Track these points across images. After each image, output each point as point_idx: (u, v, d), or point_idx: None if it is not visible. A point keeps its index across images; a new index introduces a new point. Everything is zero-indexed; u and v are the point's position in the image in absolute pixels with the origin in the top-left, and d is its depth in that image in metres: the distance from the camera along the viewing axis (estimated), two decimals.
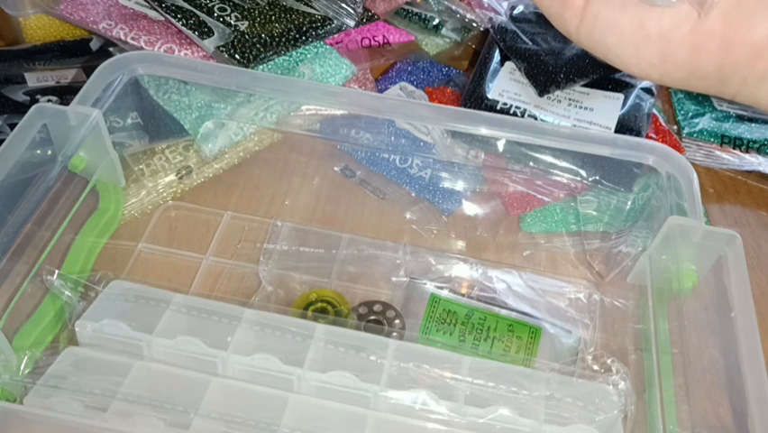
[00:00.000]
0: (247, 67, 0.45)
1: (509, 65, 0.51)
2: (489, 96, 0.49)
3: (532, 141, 0.42)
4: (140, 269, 0.43)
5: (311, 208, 0.48)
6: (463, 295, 0.43)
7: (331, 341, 0.36)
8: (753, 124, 0.55)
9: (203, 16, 0.47)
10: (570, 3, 0.33)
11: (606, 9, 0.32)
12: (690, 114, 0.56)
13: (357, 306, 0.41)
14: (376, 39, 0.53)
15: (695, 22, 0.31)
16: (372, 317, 0.41)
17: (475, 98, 0.49)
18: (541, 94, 0.49)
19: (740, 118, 0.56)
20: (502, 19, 0.53)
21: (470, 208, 0.48)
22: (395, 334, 0.39)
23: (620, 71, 0.50)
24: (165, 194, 0.46)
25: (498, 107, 0.48)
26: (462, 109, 0.43)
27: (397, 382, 0.34)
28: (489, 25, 0.53)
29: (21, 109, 0.44)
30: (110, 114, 0.41)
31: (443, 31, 0.58)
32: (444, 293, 0.42)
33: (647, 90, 0.51)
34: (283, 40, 0.47)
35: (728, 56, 0.31)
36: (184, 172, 0.46)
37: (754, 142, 0.54)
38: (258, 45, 0.46)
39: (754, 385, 0.31)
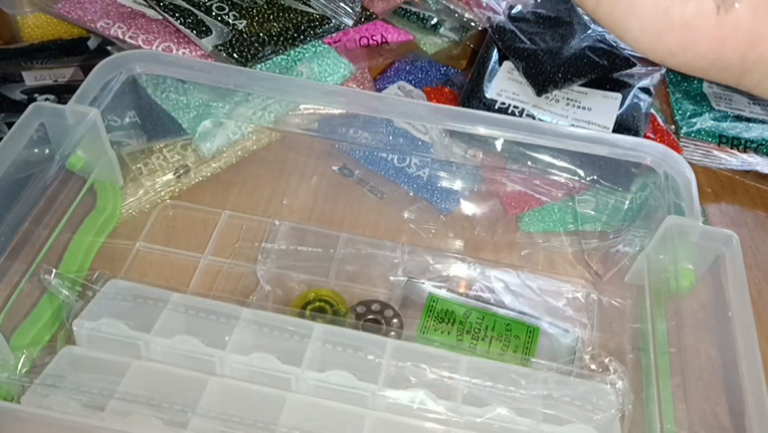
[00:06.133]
0: (245, 66, 0.45)
1: (507, 64, 0.51)
2: (488, 95, 0.49)
3: (530, 140, 0.42)
4: (137, 268, 0.43)
5: (309, 208, 0.47)
6: (461, 294, 0.43)
7: (329, 340, 0.36)
8: (750, 124, 0.55)
9: (201, 15, 0.47)
10: None
11: None
12: (688, 113, 0.56)
13: (355, 305, 0.41)
14: (374, 38, 0.53)
15: (722, 13, 0.30)
16: (370, 317, 0.41)
17: (473, 98, 0.49)
18: (539, 93, 0.49)
19: (738, 118, 0.56)
20: (500, 18, 0.53)
21: (469, 208, 0.48)
22: (393, 333, 0.39)
23: (619, 71, 0.50)
24: (163, 193, 0.46)
25: (497, 107, 0.48)
26: (461, 108, 0.43)
27: (394, 381, 0.34)
28: (488, 25, 0.54)
29: (18, 108, 0.44)
30: (108, 112, 0.41)
31: (442, 30, 0.58)
32: (442, 293, 0.42)
33: (645, 90, 0.51)
34: (281, 39, 0.47)
35: (754, 50, 0.30)
36: (182, 171, 0.46)
37: (752, 141, 0.54)
38: (256, 44, 0.46)
39: (751, 384, 0.31)
